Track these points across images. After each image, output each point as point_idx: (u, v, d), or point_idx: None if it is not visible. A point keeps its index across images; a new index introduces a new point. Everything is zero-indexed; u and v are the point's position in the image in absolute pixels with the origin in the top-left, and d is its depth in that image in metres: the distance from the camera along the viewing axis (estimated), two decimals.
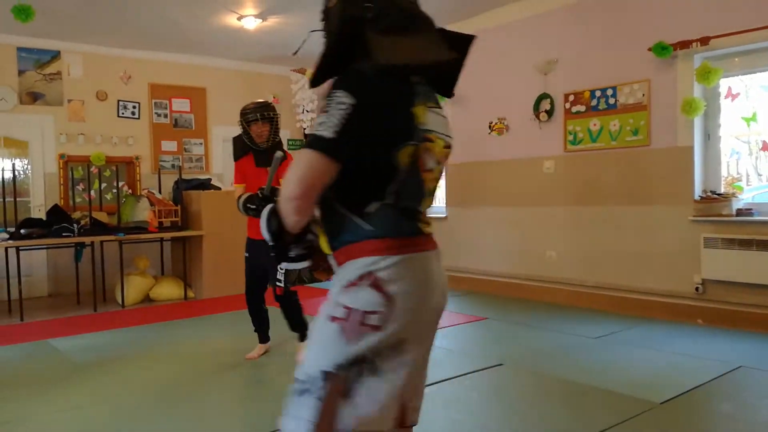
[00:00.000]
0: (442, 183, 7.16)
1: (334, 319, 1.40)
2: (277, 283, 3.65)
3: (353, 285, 1.39)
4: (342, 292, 1.41)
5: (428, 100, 1.47)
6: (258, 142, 3.83)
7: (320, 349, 1.41)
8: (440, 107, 1.53)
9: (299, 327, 3.98)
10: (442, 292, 1.52)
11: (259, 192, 3.16)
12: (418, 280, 1.41)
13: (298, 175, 1.33)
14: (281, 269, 3.54)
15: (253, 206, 3.23)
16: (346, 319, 1.38)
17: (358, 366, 1.37)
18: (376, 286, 1.37)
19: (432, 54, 1.43)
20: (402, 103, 1.40)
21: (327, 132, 1.31)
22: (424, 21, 1.48)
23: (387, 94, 1.38)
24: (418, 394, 1.56)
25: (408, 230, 1.43)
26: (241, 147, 3.94)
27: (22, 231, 5.76)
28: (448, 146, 1.53)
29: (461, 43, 1.57)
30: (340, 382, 1.36)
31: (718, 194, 4.82)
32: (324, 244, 1.50)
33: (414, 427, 1.58)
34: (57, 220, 6.00)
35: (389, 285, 1.37)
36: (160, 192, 7.18)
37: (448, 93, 1.62)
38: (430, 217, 1.55)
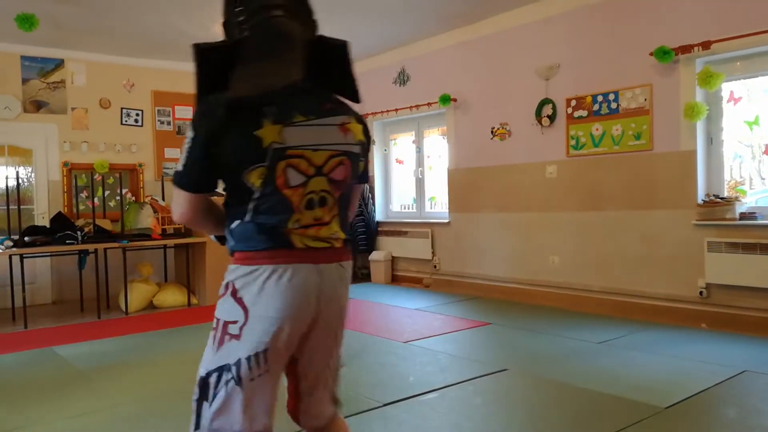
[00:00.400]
0: (441, 188, 7.19)
1: (212, 328, 1.54)
2: None
3: (222, 296, 1.53)
4: (217, 304, 1.55)
5: (294, 117, 1.47)
6: None
7: (204, 356, 1.54)
8: (324, 117, 1.53)
9: None
10: (324, 303, 1.54)
11: None
12: (277, 291, 1.46)
13: (174, 203, 1.56)
14: None
15: None
16: (216, 329, 1.52)
17: (222, 373, 1.48)
18: (234, 295, 1.49)
19: (281, 78, 1.47)
20: (243, 129, 1.43)
21: (179, 165, 1.50)
22: (289, 40, 1.51)
23: (223, 123, 1.42)
24: (318, 398, 1.68)
25: (268, 244, 1.47)
26: None
27: (26, 238, 5.78)
28: (338, 154, 1.55)
29: (339, 50, 1.61)
30: (206, 387, 1.49)
31: (722, 198, 4.81)
32: None
33: None
34: (61, 228, 6.02)
35: (243, 294, 1.47)
36: (163, 199, 7.19)
37: (354, 98, 1.65)
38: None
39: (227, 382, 1.47)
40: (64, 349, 4.72)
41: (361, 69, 8.05)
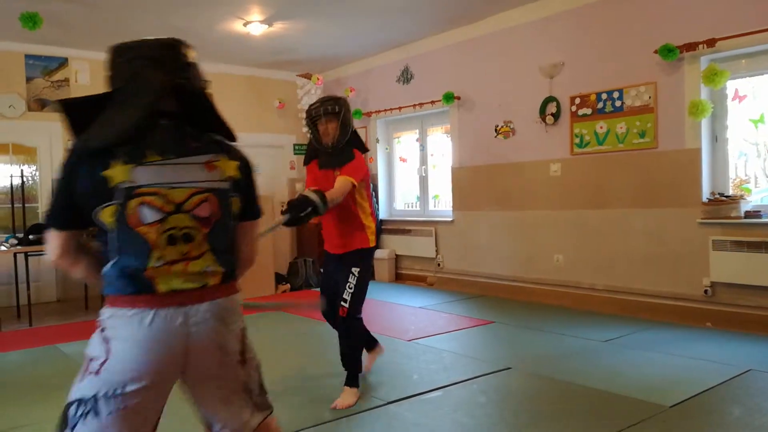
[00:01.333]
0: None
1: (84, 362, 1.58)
2: (342, 303, 3.35)
3: (94, 333, 1.57)
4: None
5: (147, 156, 1.52)
6: (324, 142, 3.34)
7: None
8: (187, 156, 1.58)
9: (346, 360, 3.43)
10: (194, 346, 1.54)
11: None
12: (136, 337, 1.49)
13: (47, 245, 1.59)
14: (350, 289, 3.35)
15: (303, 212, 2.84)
16: (83, 364, 1.56)
17: (79, 405, 1.52)
18: (101, 335, 1.54)
19: (129, 123, 1.51)
20: (91, 171, 1.49)
21: (48, 206, 1.56)
22: (148, 87, 1.57)
23: (74, 167, 1.51)
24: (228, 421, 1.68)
25: (128, 288, 1.52)
26: (308, 151, 3.55)
27: (30, 237, 5.80)
28: (201, 191, 1.57)
29: (199, 95, 1.69)
30: (66, 417, 1.54)
31: (727, 196, 4.79)
32: None
33: None
34: None
35: (108, 335, 1.52)
36: None
37: (229, 137, 1.72)
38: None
39: (85, 414, 1.51)
40: (68, 346, 4.73)
41: (364, 67, 8.06)
